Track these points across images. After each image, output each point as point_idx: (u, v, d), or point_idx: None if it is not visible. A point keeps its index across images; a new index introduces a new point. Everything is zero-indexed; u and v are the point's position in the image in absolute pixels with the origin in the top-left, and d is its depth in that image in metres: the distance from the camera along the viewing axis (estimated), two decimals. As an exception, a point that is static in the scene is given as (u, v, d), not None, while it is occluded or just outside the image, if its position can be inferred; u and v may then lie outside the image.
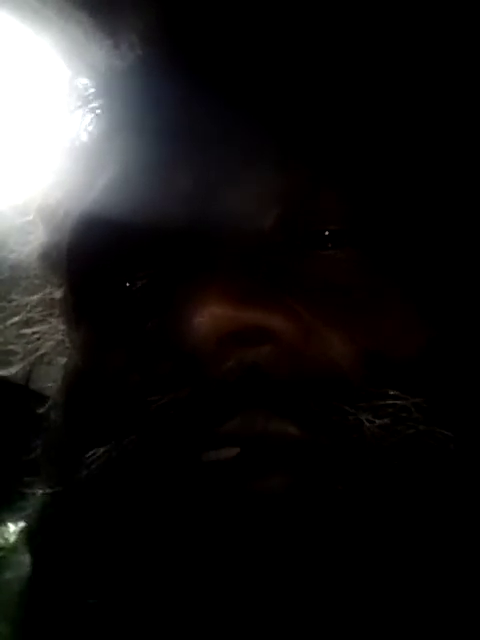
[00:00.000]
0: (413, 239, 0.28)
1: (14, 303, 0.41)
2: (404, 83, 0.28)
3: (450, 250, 0.28)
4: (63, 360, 0.38)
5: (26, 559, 0.31)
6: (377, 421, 0.24)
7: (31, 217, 0.38)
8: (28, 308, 0.40)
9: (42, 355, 0.41)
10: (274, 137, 0.28)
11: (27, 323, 0.41)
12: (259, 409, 0.25)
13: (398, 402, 0.25)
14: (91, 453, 0.27)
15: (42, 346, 0.40)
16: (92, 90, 0.33)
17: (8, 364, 0.42)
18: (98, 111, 0.33)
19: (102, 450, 0.27)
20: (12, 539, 0.35)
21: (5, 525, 0.36)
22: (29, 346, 0.41)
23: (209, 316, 0.24)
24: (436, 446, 0.25)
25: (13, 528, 0.36)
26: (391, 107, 0.28)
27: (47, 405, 0.35)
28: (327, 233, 0.27)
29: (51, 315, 0.40)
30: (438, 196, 0.28)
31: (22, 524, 0.34)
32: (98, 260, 0.30)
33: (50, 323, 0.40)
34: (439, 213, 0.28)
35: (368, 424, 0.24)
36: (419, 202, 0.28)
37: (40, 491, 0.30)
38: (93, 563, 0.26)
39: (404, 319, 0.27)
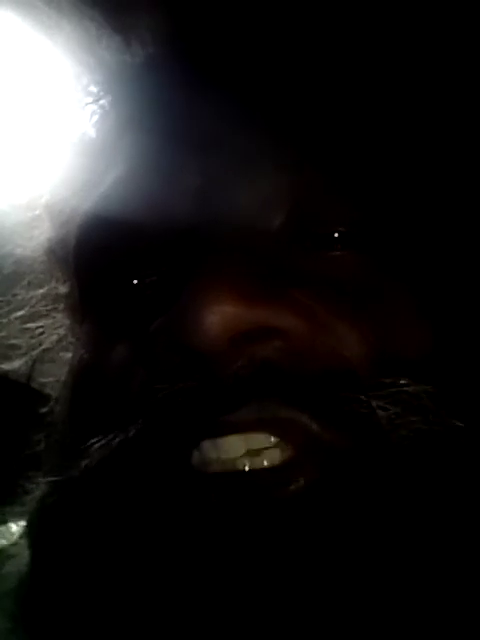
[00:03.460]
0: (419, 240, 0.28)
1: (18, 297, 0.41)
2: (409, 87, 0.28)
3: (456, 250, 0.28)
4: (66, 354, 0.38)
5: (26, 552, 0.31)
6: (389, 408, 0.24)
7: (37, 212, 0.38)
8: (32, 302, 0.40)
9: (45, 349, 0.41)
10: (283, 138, 0.28)
11: (31, 317, 0.41)
12: (269, 398, 0.25)
13: (409, 389, 0.25)
14: (93, 442, 0.27)
15: (45, 340, 0.41)
16: (101, 87, 0.33)
17: (11, 358, 0.42)
18: (107, 108, 0.33)
19: (105, 439, 0.27)
20: (14, 539, 0.35)
21: (7, 525, 0.36)
22: (32, 340, 0.41)
23: (220, 315, 0.24)
24: (447, 434, 0.25)
25: (15, 528, 0.36)
26: (396, 111, 0.28)
27: (50, 401, 0.36)
28: (335, 235, 0.28)
29: (55, 310, 0.40)
30: (443, 198, 0.28)
31: (23, 524, 0.34)
32: (106, 256, 0.30)
33: (54, 318, 0.40)
34: (444, 214, 0.28)
35: (381, 412, 0.24)
36: (424, 204, 0.28)
37: (43, 480, 0.30)
38: (93, 555, 0.26)
39: (410, 315, 0.27)
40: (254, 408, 0.25)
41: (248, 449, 0.25)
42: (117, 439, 0.26)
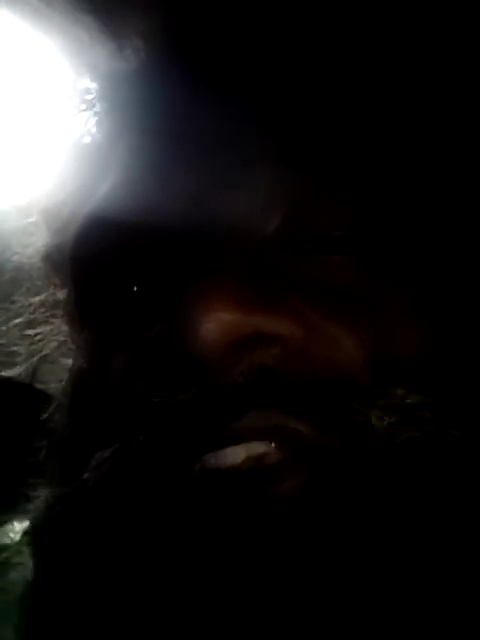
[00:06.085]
0: (416, 243, 0.28)
1: (17, 304, 0.41)
2: (406, 90, 0.28)
3: (453, 254, 0.28)
4: (66, 361, 0.38)
5: (30, 560, 0.31)
6: (386, 419, 0.24)
7: (34, 218, 0.38)
8: (31, 309, 0.41)
9: (45, 356, 0.41)
10: (278, 141, 0.28)
11: (30, 324, 0.41)
12: (269, 406, 0.25)
13: (406, 400, 0.25)
14: (97, 455, 0.27)
15: (45, 347, 0.41)
16: (96, 92, 0.33)
17: (11, 365, 0.42)
18: (102, 113, 0.33)
19: (108, 452, 0.27)
20: (18, 538, 0.35)
21: (11, 524, 0.36)
22: (32, 347, 0.41)
23: (218, 322, 0.24)
24: (444, 444, 0.25)
25: (18, 527, 0.36)
26: (393, 114, 0.28)
27: (52, 406, 0.36)
28: (331, 239, 0.28)
29: (54, 316, 0.40)
30: (439, 201, 0.28)
31: (27, 523, 0.34)
32: (102, 262, 0.30)
33: (53, 324, 0.40)
34: (441, 218, 0.28)
35: (377, 422, 0.24)
36: (421, 207, 0.28)
37: (46, 492, 0.30)
38: (97, 566, 0.26)
39: (408, 321, 0.27)
40: (253, 417, 0.25)
41: (247, 456, 0.25)
42: (120, 454, 0.26)
